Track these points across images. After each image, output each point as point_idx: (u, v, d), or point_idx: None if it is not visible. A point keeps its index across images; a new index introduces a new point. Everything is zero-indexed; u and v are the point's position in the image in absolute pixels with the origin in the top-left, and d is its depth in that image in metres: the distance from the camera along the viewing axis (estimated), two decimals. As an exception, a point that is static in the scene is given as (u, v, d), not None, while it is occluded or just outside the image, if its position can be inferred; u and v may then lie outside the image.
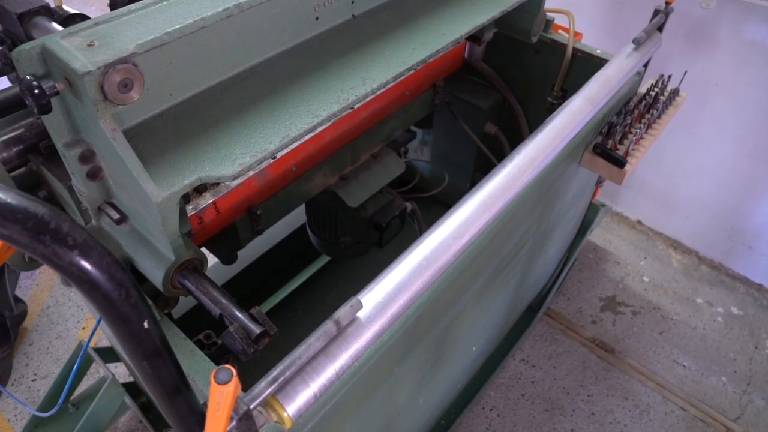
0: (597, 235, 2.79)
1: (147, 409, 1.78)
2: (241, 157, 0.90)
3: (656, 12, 1.60)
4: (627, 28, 2.32)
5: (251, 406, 0.67)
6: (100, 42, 0.79)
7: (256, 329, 0.81)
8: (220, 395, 0.59)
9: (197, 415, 0.80)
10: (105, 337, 2.08)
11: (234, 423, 0.65)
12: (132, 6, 0.87)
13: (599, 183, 2.11)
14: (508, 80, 1.95)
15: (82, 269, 0.52)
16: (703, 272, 2.65)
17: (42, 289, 2.40)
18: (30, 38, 0.91)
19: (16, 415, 1.99)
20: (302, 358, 0.74)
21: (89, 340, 1.22)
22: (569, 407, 2.12)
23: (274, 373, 0.71)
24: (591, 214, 2.21)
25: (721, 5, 2.02)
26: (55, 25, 0.94)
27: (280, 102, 1.00)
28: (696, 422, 2.09)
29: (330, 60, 1.10)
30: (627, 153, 1.51)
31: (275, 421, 0.74)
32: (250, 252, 2.06)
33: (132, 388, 1.74)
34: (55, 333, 2.24)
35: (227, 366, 0.60)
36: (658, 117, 1.64)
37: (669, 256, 2.72)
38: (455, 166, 2.20)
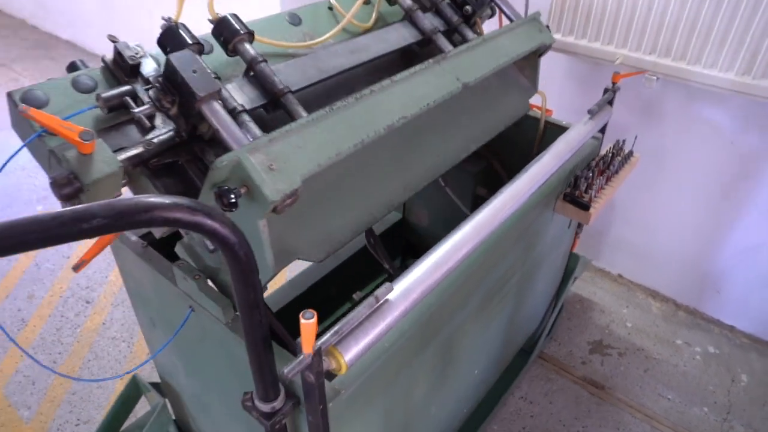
0: (582, 288, 3.09)
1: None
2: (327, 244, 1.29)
3: (606, 90, 2.03)
4: (589, 103, 2.77)
5: (322, 346, 0.96)
6: (278, 166, 1.04)
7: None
8: (306, 327, 0.89)
9: (274, 375, 1.07)
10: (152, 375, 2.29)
11: (310, 357, 0.94)
12: (293, 124, 1.13)
13: (577, 234, 2.46)
14: (493, 148, 2.34)
15: (224, 234, 0.84)
16: (681, 317, 2.93)
17: (82, 345, 2.63)
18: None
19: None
20: (353, 322, 1.03)
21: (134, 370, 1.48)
22: (566, 437, 2.31)
23: (335, 329, 1.00)
24: (572, 262, 2.53)
25: (664, 85, 2.47)
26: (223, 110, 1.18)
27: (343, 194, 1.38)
28: (683, 448, 2.29)
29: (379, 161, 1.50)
30: (590, 199, 1.86)
31: (333, 368, 1.02)
32: (315, 272, 2.36)
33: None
34: (95, 384, 2.46)
35: (310, 310, 0.90)
36: (616, 172, 2.01)
37: (649, 305, 3.00)
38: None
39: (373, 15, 1.72)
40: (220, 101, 1.15)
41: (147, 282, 1.48)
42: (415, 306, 1.18)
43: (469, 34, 1.89)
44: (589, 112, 1.90)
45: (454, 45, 1.81)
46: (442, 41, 1.77)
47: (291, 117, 1.33)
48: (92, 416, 2.33)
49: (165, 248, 1.45)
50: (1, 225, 0.66)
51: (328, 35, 1.54)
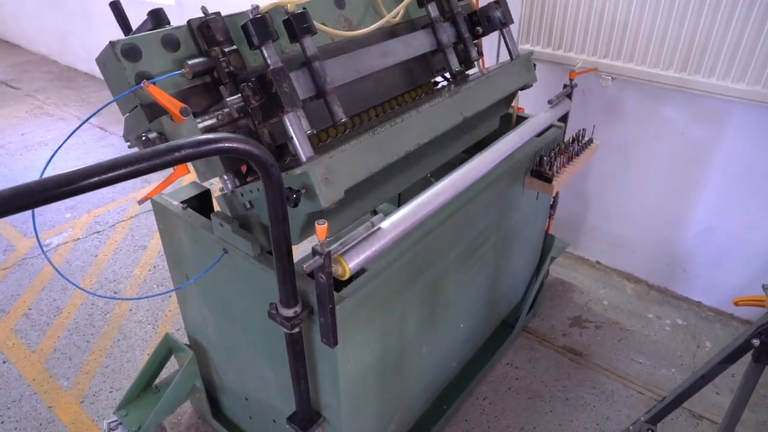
0: (563, 273, 3.40)
1: (210, 399, 2.26)
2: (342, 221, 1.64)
3: (565, 85, 2.39)
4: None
5: (331, 252, 1.28)
6: (331, 178, 1.37)
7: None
8: (320, 229, 1.21)
9: (294, 284, 1.39)
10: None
11: (322, 258, 1.26)
12: (346, 147, 1.43)
13: (551, 216, 2.79)
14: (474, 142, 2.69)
15: (265, 158, 1.17)
16: (653, 296, 3.23)
17: (112, 328, 2.93)
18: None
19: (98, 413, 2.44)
20: (354, 239, 1.36)
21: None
22: (548, 395, 2.59)
23: (340, 241, 1.33)
24: (549, 243, 2.86)
25: (621, 85, 2.84)
26: None
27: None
28: (652, 402, 2.56)
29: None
30: (553, 174, 2.20)
31: (339, 273, 1.34)
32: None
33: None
34: (125, 358, 2.75)
35: (322, 219, 1.23)
36: (576, 154, 2.36)
37: (624, 286, 3.31)
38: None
39: (400, 13, 2.04)
40: (297, 113, 1.41)
41: (185, 237, 1.80)
42: (402, 236, 1.50)
43: (473, 52, 2.25)
44: (549, 102, 2.26)
45: (458, 56, 2.18)
46: (452, 57, 2.14)
47: (330, 112, 1.62)
48: (123, 385, 2.61)
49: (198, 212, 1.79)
50: (120, 159, 0.97)
51: (366, 30, 1.82)
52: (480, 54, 2.33)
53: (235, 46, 1.48)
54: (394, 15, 1.94)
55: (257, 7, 1.44)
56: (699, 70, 2.41)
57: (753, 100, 2.37)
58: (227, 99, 1.43)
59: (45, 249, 3.49)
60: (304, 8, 1.55)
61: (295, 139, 1.43)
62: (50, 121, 5.41)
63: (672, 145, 2.86)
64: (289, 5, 1.54)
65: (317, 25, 1.64)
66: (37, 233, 1.76)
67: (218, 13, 1.46)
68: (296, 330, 1.45)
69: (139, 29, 1.52)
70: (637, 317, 3.07)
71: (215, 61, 1.44)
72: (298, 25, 1.52)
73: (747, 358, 1.73)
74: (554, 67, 2.95)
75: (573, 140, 2.39)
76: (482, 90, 2.03)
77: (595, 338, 2.92)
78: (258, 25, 1.42)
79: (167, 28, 1.45)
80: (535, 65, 2.37)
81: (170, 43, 1.42)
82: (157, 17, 1.46)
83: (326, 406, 1.66)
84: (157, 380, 2.28)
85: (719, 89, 2.40)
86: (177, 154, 1.03)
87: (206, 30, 1.43)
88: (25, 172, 4.46)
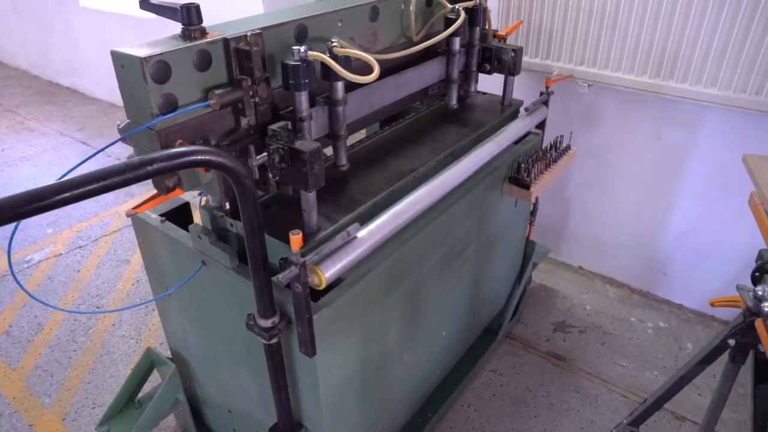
0: (546, 279, 3.43)
1: (193, 413, 2.25)
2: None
3: (541, 93, 2.43)
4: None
5: (306, 262, 1.29)
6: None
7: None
8: (295, 239, 1.22)
9: (271, 295, 1.39)
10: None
11: (297, 269, 1.27)
12: (351, 217, 1.56)
13: (531, 223, 2.81)
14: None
15: (238, 170, 1.18)
16: (635, 300, 3.26)
17: (95, 343, 2.90)
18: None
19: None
20: (330, 248, 1.37)
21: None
22: (532, 401, 2.60)
23: (316, 251, 1.33)
24: (530, 249, 2.88)
25: (598, 92, 2.89)
26: None
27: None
28: (636, 404, 2.57)
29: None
30: (531, 181, 2.23)
31: (316, 283, 1.34)
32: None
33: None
34: (108, 374, 2.72)
35: (296, 230, 1.24)
36: (554, 161, 2.39)
37: (606, 290, 3.34)
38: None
39: (421, 33, 2.01)
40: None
41: (164, 250, 1.80)
42: (379, 245, 1.51)
43: (473, 85, 2.31)
44: (525, 109, 2.30)
45: (458, 87, 2.21)
46: (453, 92, 2.18)
47: (335, 155, 1.67)
48: (106, 401, 2.58)
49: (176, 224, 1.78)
50: (91, 174, 0.97)
51: (391, 56, 1.73)
52: (476, 82, 2.34)
53: (267, 74, 1.40)
54: (422, 46, 1.85)
55: (306, 50, 1.35)
56: (672, 76, 2.46)
57: (724, 104, 2.42)
58: (252, 159, 1.39)
59: (26, 265, 3.46)
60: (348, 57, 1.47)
61: (308, 213, 1.48)
62: (31, 137, 5.36)
63: (649, 150, 2.90)
64: (334, 49, 1.45)
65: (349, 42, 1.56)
66: (9, 255, 1.75)
67: (261, 37, 1.37)
68: (274, 340, 1.45)
69: (163, 11, 1.35)
70: (619, 321, 3.10)
71: (244, 92, 1.37)
72: (334, 72, 1.45)
73: (725, 358, 1.77)
74: (531, 75, 2.99)
75: (551, 147, 2.43)
76: (475, 146, 2.09)
77: (578, 343, 2.95)
78: (300, 72, 1.35)
79: (202, 41, 1.31)
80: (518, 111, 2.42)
81: (204, 60, 1.31)
82: (189, 15, 1.29)
83: (307, 416, 1.66)
84: (140, 394, 2.26)
85: (692, 94, 2.46)
86: (150, 168, 1.03)
87: (245, 60, 1.35)
88: (6, 188, 4.42)
